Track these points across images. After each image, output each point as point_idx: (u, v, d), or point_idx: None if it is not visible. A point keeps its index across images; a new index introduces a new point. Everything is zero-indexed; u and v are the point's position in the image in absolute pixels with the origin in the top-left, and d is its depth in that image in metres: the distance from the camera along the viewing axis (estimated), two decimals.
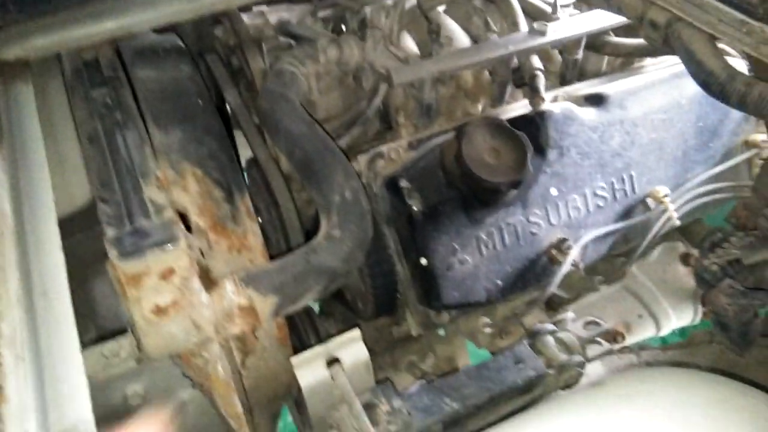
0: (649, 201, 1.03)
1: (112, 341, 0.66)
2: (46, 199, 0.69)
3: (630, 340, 1.24)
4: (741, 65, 0.84)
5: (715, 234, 0.77)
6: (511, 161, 0.91)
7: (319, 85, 1.06)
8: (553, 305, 1.18)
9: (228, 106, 1.13)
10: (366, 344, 1.18)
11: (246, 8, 1.14)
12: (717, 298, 0.69)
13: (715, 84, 0.78)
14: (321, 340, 0.83)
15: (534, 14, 1.14)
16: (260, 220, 1.10)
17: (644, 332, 1.25)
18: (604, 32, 1.09)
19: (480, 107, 1.12)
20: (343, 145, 1.05)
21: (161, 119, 0.82)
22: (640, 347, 1.06)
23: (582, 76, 1.16)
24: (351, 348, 0.77)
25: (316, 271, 0.72)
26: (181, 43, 0.97)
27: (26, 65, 0.89)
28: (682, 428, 0.47)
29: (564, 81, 1.13)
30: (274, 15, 1.16)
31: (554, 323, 0.95)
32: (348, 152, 0.96)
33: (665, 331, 1.27)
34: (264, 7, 1.17)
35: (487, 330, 1.03)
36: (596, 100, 1.01)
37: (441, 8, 1.13)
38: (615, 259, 1.13)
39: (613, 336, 1.21)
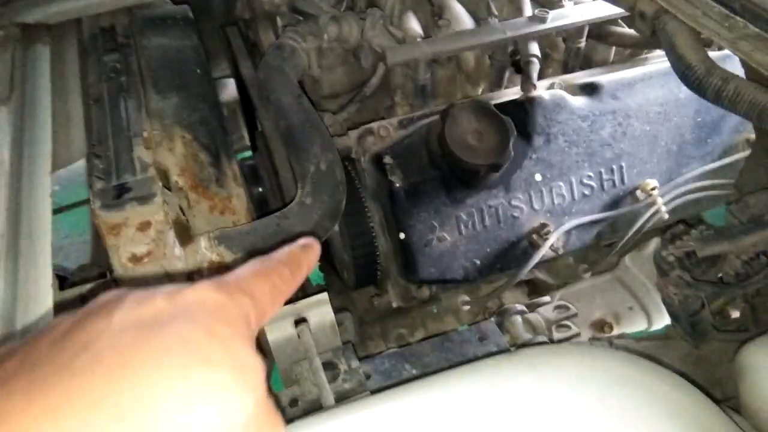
0: (639, 193, 1.04)
1: (91, 284, 0.73)
2: (44, 150, 0.76)
3: (618, 331, 1.26)
4: None
5: (678, 226, 0.77)
6: (493, 145, 0.93)
7: (322, 61, 1.11)
8: (540, 291, 1.20)
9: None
10: (357, 314, 1.24)
11: None
12: (665, 287, 0.70)
13: (692, 77, 0.79)
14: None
15: (541, 1, 1.15)
16: (261, 188, 1.17)
17: (634, 325, 1.25)
18: (609, 22, 1.10)
19: (480, 91, 1.14)
20: (340, 121, 1.10)
21: (160, 85, 0.88)
22: (618, 337, 1.08)
23: (588, 65, 1.17)
24: (318, 309, 0.81)
25: (284, 235, 0.77)
26: (190, 14, 1.02)
27: (46, 28, 0.96)
28: (569, 399, 0.49)
29: (566, 69, 1.14)
30: None
31: (528, 305, 0.98)
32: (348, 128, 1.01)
33: (658, 326, 1.27)
34: None
35: (466, 308, 1.06)
36: (589, 89, 1.02)
37: None
38: (605, 249, 1.14)
39: (600, 325, 1.23)
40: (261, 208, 1.11)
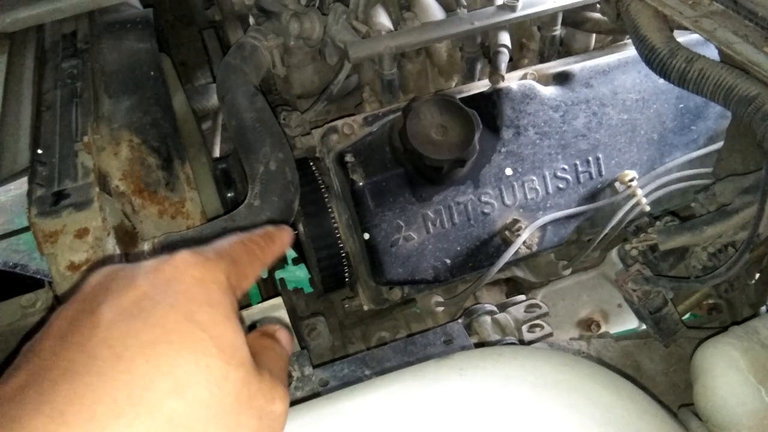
0: (617, 185, 0.99)
1: (30, 294, 0.72)
2: None
3: (608, 329, 1.21)
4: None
5: (643, 218, 0.73)
6: (457, 139, 0.89)
7: (290, 60, 1.08)
8: (521, 290, 1.16)
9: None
10: (337, 317, 1.21)
11: None
12: (624, 283, 0.66)
13: (656, 60, 0.75)
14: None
15: None
16: (234, 192, 1.15)
17: (624, 323, 1.21)
18: (584, 8, 1.05)
19: (454, 84, 1.11)
20: (309, 120, 1.07)
21: (112, 89, 0.87)
22: (598, 336, 1.03)
23: (567, 54, 1.12)
24: (272, 314, 0.79)
25: None
26: (151, 18, 1.01)
27: (6, 36, 0.96)
28: (492, 403, 0.46)
29: (543, 59, 1.10)
30: None
31: (500, 305, 0.94)
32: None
33: None
34: None
35: (440, 309, 1.03)
36: (561, 79, 0.98)
37: None
38: (587, 245, 1.10)
39: (587, 324, 1.19)
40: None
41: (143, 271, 0.35)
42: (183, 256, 0.36)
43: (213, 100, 1.50)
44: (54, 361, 0.31)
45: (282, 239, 0.45)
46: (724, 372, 0.52)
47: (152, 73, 0.90)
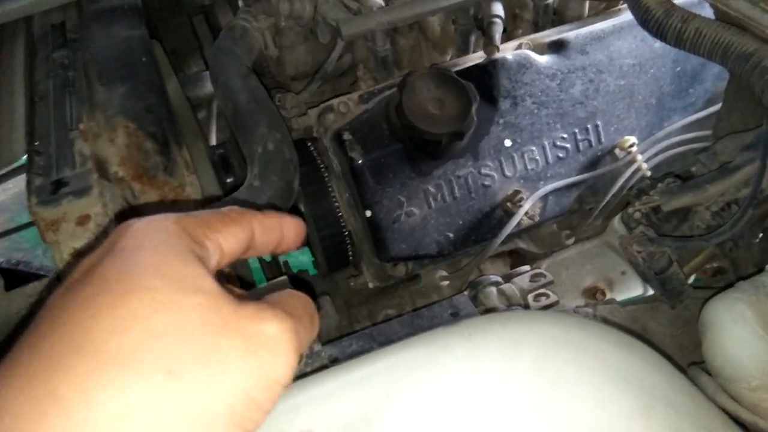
0: (617, 152, 0.99)
1: (36, 282, 0.71)
2: None
3: (613, 297, 1.21)
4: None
5: (645, 180, 0.73)
6: (454, 112, 0.89)
7: (282, 40, 1.07)
8: (525, 261, 1.16)
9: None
10: (342, 297, 1.22)
11: None
12: (629, 245, 0.66)
13: (652, 21, 0.74)
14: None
15: None
16: (233, 177, 1.14)
17: (629, 290, 1.21)
18: None
19: (449, 58, 1.10)
20: (304, 101, 1.06)
21: (105, 76, 0.86)
22: (604, 303, 1.03)
23: (561, 22, 1.11)
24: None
25: None
26: (139, 4, 1.00)
27: None
28: (501, 367, 0.46)
29: (537, 29, 1.09)
30: None
31: (505, 276, 0.94)
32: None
33: None
34: None
35: (445, 283, 1.03)
36: (557, 47, 0.97)
37: None
38: (589, 214, 1.09)
39: (592, 292, 1.19)
40: None
41: (103, 245, 0.36)
42: (132, 221, 0.36)
43: (207, 88, 1.49)
44: (71, 306, 0.32)
45: (296, 226, 0.45)
46: (732, 326, 0.52)
47: (144, 59, 0.89)
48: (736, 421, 0.51)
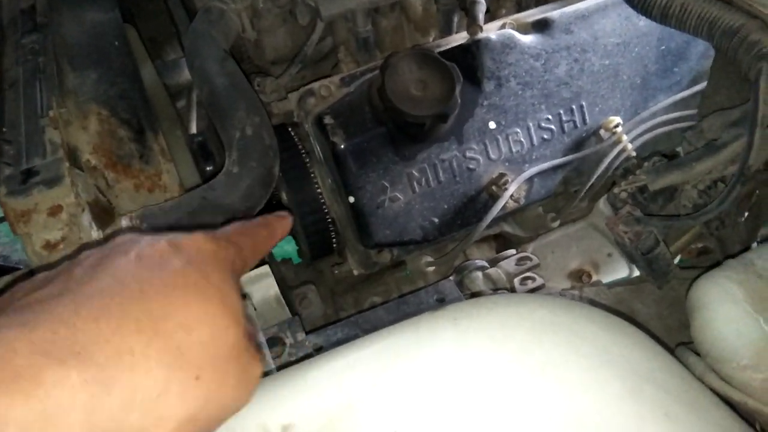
0: (602, 132, 0.98)
1: (7, 276, 0.69)
2: None
3: (599, 279, 1.21)
4: None
5: (631, 160, 0.72)
6: (438, 93, 0.87)
7: (260, 23, 1.05)
8: (511, 245, 1.15)
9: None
10: (327, 285, 1.20)
11: None
12: (615, 226, 0.65)
13: None
14: None
15: None
16: (212, 165, 1.12)
17: (615, 272, 1.20)
18: None
19: (431, 39, 1.08)
20: (284, 85, 1.04)
21: (76, 62, 0.83)
22: (590, 285, 1.03)
23: (546, 1, 1.09)
24: (260, 283, 0.77)
25: (211, 208, 0.72)
26: None
27: None
28: (489, 350, 0.45)
29: (521, 8, 1.07)
30: None
31: (490, 260, 0.93)
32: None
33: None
34: None
35: (430, 269, 1.02)
36: (541, 26, 0.95)
37: None
38: (575, 196, 1.09)
39: (578, 275, 1.18)
40: None
41: (164, 238, 0.40)
42: (198, 234, 0.42)
43: (186, 75, 1.45)
44: (87, 281, 0.36)
45: (283, 227, 0.52)
46: (721, 304, 0.51)
47: (116, 43, 0.86)
48: (726, 401, 0.50)
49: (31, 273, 0.69)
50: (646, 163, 0.67)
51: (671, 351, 0.55)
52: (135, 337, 0.34)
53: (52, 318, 0.33)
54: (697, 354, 0.55)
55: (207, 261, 0.40)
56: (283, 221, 0.52)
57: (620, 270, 1.19)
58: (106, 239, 0.66)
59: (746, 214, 0.77)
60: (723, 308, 0.51)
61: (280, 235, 0.51)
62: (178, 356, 0.35)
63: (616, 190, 0.68)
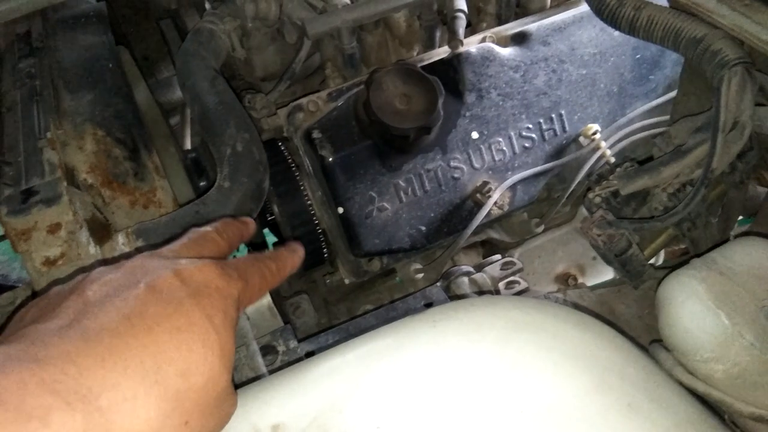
0: (582, 139, 1.01)
1: (8, 292, 0.72)
2: None
3: (585, 282, 1.24)
4: None
5: (605, 166, 0.75)
6: (421, 107, 0.90)
7: (249, 42, 1.08)
8: (497, 251, 1.18)
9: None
10: (320, 295, 1.23)
11: None
12: (589, 229, 0.68)
13: (606, 11, 0.76)
14: None
15: None
16: (206, 180, 1.15)
17: (601, 274, 1.24)
18: None
19: (415, 53, 1.12)
20: (273, 101, 1.07)
21: (72, 84, 0.86)
22: (574, 288, 1.06)
23: (525, 14, 1.13)
24: None
25: (205, 222, 0.75)
26: (104, 11, 1.00)
27: None
28: (465, 351, 0.48)
29: (500, 21, 1.11)
30: None
31: (477, 265, 0.96)
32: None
33: None
34: None
35: (420, 276, 1.05)
36: (519, 39, 0.99)
37: None
38: (557, 201, 1.12)
39: (564, 278, 1.21)
40: None
41: (174, 264, 0.43)
42: (210, 266, 0.44)
43: (178, 92, 1.49)
44: (96, 313, 0.38)
45: (294, 260, 0.54)
46: (685, 301, 0.54)
47: (110, 65, 0.89)
48: (692, 393, 0.53)
49: (34, 295, 0.72)
50: (618, 169, 0.70)
51: (644, 348, 0.58)
52: (138, 382, 0.37)
53: (60, 356, 0.35)
54: (668, 350, 0.58)
55: (213, 297, 0.42)
56: (294, 256, 0.55)
57: (605, 272, 1.22)
58: (118, 259, 0.70)
59: (718, 214, 0.80)
60: (687, 304, 0.54)
61: (289, 269, 0.54)
62: (175, 405, 0.38)
63: (590, 195, 0.71)
